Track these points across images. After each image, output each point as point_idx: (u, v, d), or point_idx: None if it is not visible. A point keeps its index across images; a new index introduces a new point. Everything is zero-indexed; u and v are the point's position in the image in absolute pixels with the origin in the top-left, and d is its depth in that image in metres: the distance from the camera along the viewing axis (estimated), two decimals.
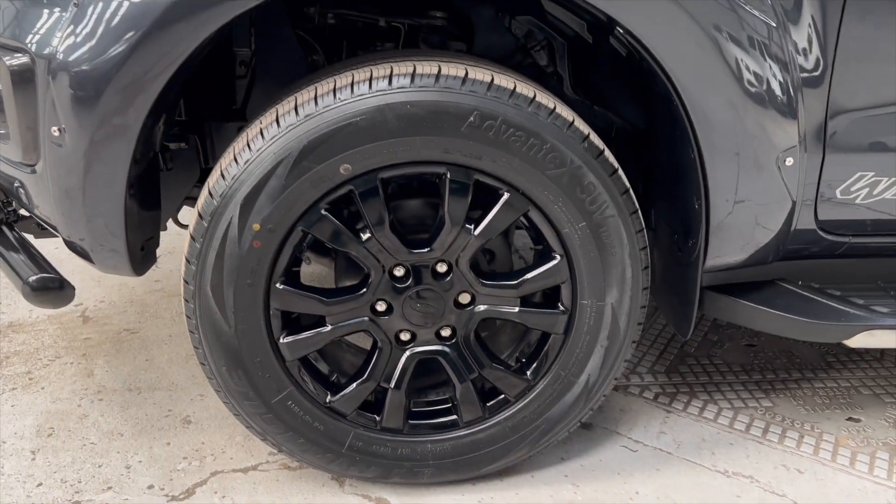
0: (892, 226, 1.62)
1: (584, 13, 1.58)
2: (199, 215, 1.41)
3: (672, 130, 1.51)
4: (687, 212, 1.57)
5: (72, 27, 1.31)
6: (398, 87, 1.34)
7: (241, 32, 1.75)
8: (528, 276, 1.52)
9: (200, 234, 1.41)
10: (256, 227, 1.39)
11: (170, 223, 1.98)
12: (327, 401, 1.57)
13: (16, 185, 1.63)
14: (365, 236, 1.45)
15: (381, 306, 1.53)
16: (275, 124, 1.35)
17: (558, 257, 1.50)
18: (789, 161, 1.47)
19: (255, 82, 1.86)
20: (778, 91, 1.42)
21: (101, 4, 1.28)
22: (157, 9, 1.25)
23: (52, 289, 1.59)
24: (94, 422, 1.90)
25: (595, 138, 1.44)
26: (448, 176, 1.41)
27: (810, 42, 1.42)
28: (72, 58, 1.31)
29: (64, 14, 1.34)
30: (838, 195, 1.56)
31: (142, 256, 1.60)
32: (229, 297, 1.43)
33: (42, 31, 1.37)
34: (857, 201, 1.57)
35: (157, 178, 1.65)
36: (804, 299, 1.68)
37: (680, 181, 1.57)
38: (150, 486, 1.68)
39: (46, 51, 1.34)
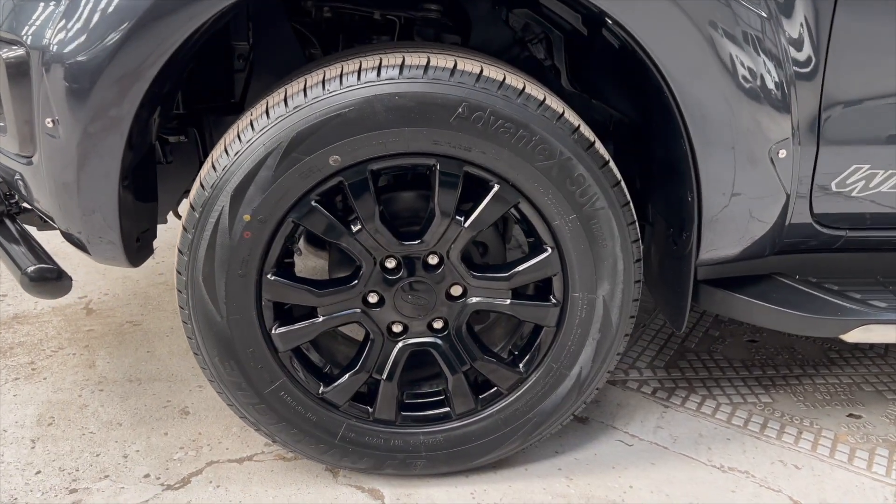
0: (889, 219, 1.61)
1: (577, 6, 1.57)
2: (191, 206, 1.42)
3: (665, 123, 1.50)
4: (681, 205, 1.57)
5: (64, 20, 1.33)
6: (387, 79, 1.34)
7: (239, 26, 1.76)
8: (520, 268, 1.52)
9: (192, 225, 1.42)
10: (247, 217, 1.40)
11: (170, 216, 2.00)
12: (320, 392, 1.58)
13: (16, 177, 1.66)
14: (356, 228, 1.46)
15: (372, 298, 1.54)
16: (265, 115, 1.36)
17: (549, 250, 1.50)
18: (782, 153, 1.45)
19: (253, 76, 1.87)
20: (770, 84, 1.40)
21: None
22: (146, 2, 1.26)
23: (50, 279, 1.61)
24: (94, 412, 1.93)
25: (586, 130, 1.44)
26: (438, 167, 1.41)
27: (803, 34, 1.40)
28: (63, 50, 1.32)
29: (57, 7, 1.35)
30: (833, 188, 1.55)
31: (137, 248, 1.62)
32: (221, 288, 1.45)
33: (36, 24, 1.39)
34: (853, 194, 1.56)
35: (153, 171, 1.66)
36: (801, 293, 1.66)
37: (674, 175, 1.57)
38: (147, 475, 1.70)
39: (40, 43, 1.36)
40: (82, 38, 1.31)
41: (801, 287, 1.68)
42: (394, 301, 1.54)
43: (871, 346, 2.31)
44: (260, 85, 1.87)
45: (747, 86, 1.40)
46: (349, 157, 1.37)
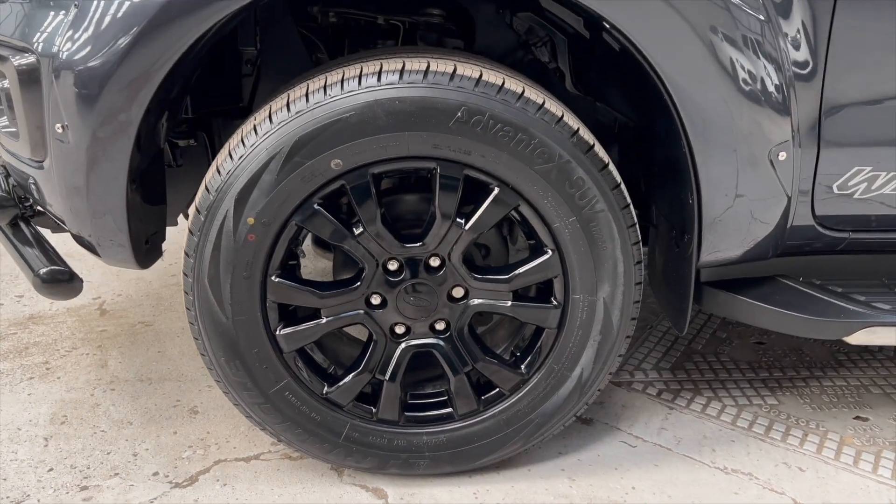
0: (893, 221, 1.60)
1: (578, 10, 1.58)
2: (197, 210, 1.45)
3: (666, 126, 1.51)
4: (682, 207, 1.57)
5: (72, 27, 1.36)
6: (387, 84, 1.36)
7: (247, 31, 1.79)
8: (520, 270, 1.54)
9: (198, 228, 1.45)
10: (251, 221, 1.42)
11: (180, 219, 2.03)
12: (324, 392, 1.60)
13: (29, 181, 1.70)
14: (358, 231, 1.48)
15: (375, 299, 1.56)
16: (267, 120, 1.39)
17: (550, 252, 1.51)
18: (782, 156, 1.46)
19: (260, 80, 1.90)
20: (769, 86, 1.41)
21: (98, 5, 1.33)
22: (150, 10, 1.29)
23: (62, 281, 1.64)
24: (106, 411, 1.96)
25: (585, 133, 1.45)
26: (438, 171, 1.43)
27: (802, 37, 1.41)
28: (72, 57, 1.35)
29: (66, 15, 1.39)
30: (835, 190, 1.54)
31: (146, 250, 1.65)
32: (226, 290, 1.47)
33: (46, 32, 1.42)
34: (856, 196, 1.56)
35: (162, 174, 1.69)
36: (804, 295, 1.66)
37: (675, 177, 1.57)
38: (155, 473, 1.73)
39: (50, 50, 1.39)
40: (90, 46, 1.34)
41: (804, 289, 1.67)
42: (396, 303, 1.56)
43: (881, 348, 2.29)
44: (267, 89, 1.89)
45: (746, 89, 1.40)
46: (350, 160, 1.39)
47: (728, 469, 1.76)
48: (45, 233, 1.83)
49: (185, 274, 1.49)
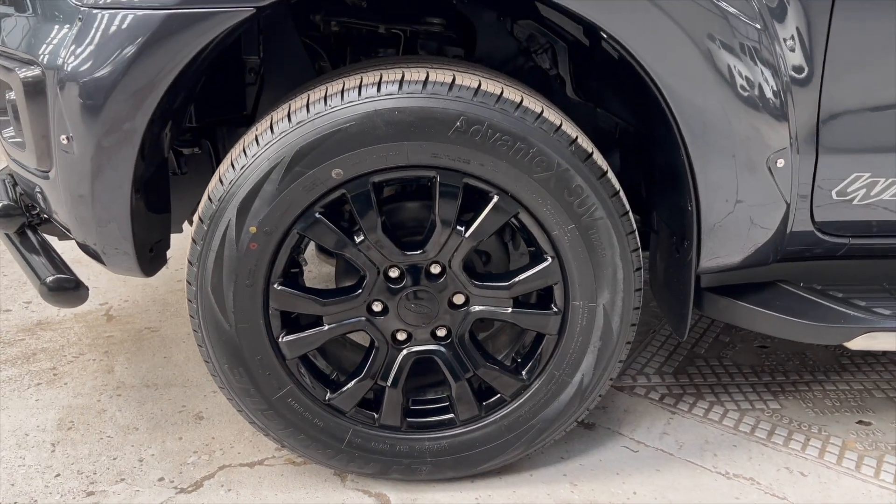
0: (893, 226, 1.60)
1: (577, 18, 1.59)
2: (199, 219, 1.46)
3: (664, 132, 1.52)
4: (682, 214, 1.58)
5: (77, 40, 1.38)
6: (387, 94, 1.37)
7: (250, 41, 1.80)
8: (520, 277, 1.55)
9: (201, 237, 1.46)
10: (253, 229, 1.44)
11: (185, 226, 2.05)
12: (326, 398, 1.61)
13: (36, 190, 1.72)
14: (359, 239, 1.49)
15: (377, 307, 1.57)
16: (269, 131, 1.40)
17: (549, 259, 1.52)
18: (780, 163, 1.46)
19: (264, 89, 1.91)
20: (766, 94, 1.42)
21: (102, 19, 1.35)
22: (154, 23, 1.31)
23: (68, 289, 1.67)
24: (112, 416, 1.99)
25: (584, 141, 1.46)
26: (438, 179, 1.44)
27: (799, 44, 1.41)
28: (77, 68, 1.37)
29: (70, 28, 1.41)
30: (834, 196, 1.55)
31: (151, 258, 1.67)
32: (229, 298, 1.49)
33: (51, 44, 1.44)
34: (855, 202, 1.56)
35: (166, 183, 1.71)
36: (804, 301, 1.67)
37: (674, 183, 1.58)
38: (161, 479, 1.75)
39: (55, 63, 1.41)
40: (94, 58, 1.36)
41: (804, 294, 1.68)
42: (397, 309, 1.57)
43: (884, 352, 2.29)
44: (271, 97, 1.91)
45: (743, 96, 1.41)
46: (351, 170, 1.41)
47: (730, 474, 1.77)
48: (52, 240, 1.86)
49: (188, 282, 1.51)
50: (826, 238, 1.61)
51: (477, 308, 1.59)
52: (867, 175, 1.52)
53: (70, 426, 1.94)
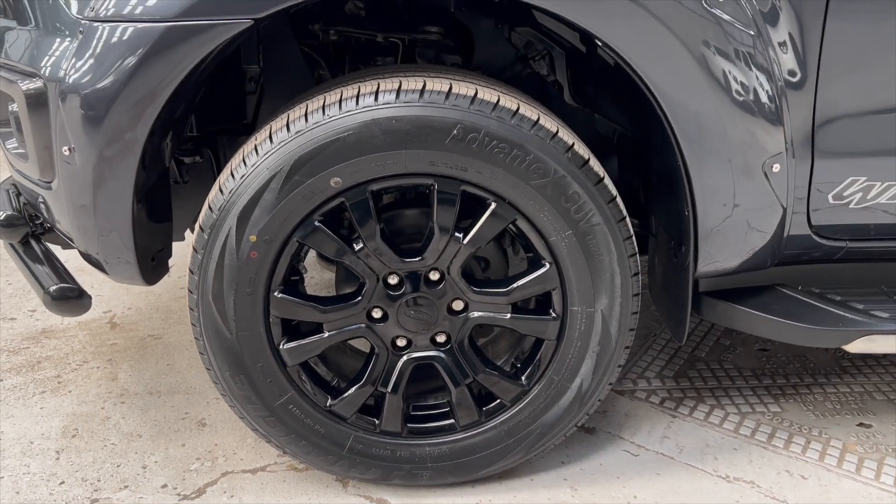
0: (889, 229, 1.61)
1: (572, 25, 1.61)
2: (200, 228, 1.48)
3: (661, 138, 1.53)
4: (679, 218, 1.59)
5: (78, 53, 1.39)
6: (384, 103, 1.39)
7: (250, 50, 1.82)
8: (519, 283, 1.56)
9: (201, 246, 1.48)
10: (253, 238, 1.45)
11: (188, 234, 2.07)
12: (327, 404, 1.62)
13: (39, 200, 1.74)
14: (358, 246, 1.51)
15: (376, 313, 1.58)
16: (268, 140, 1.42)
17: (547, 265, 1.53)
18: (776, 168, 1.47)
19: (264, 97, 1.93)
20: (762, 99, 1.43)
21: (103, 32, 1.37)
22: (152, 36, 1.33)
23: (71, 298, 1.69)
24: (116, 424, 2.00)
25: (580, 148, 1.47)
26: (436, 187, 1.46)
27: (793, 50, 1.42)
28: (78, 81, 1.39)
29: (72, 41, 1.43)
30: (830, 200, 1.56)
31: (153, 267, 1.69)
32: (230, 306, 1.50)
33: (53, 57, 1.46)
34: (852, 206, 1.57)
35: (167, 192, 1.73)
36: (802, 304, 1.67)
37: (672, 188, 1.59)
38: (164, 486, 1.76)
39: (57, 75, 1.43)
40: (95, 70, 1.38)
41: (803, 298, 1.69)
42: (397, 316, 1.58)
43: (885, 353, 2.29)
44: (271, 106, 1.93)
45: (738, 101, 1.42)
46: (349, 178, 1.42)
47: (730, 477, 1.77)
48: (56, 249, 1.88)
49: (190, 291, 1.53)
50: (823, 242, 1.62)
51: (476, 314, 1.60)
52: (863, 179, 1.53)
53: (74, 434, 1.96)
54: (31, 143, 1.55)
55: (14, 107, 1.59)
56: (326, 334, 1.58)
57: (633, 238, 1.54)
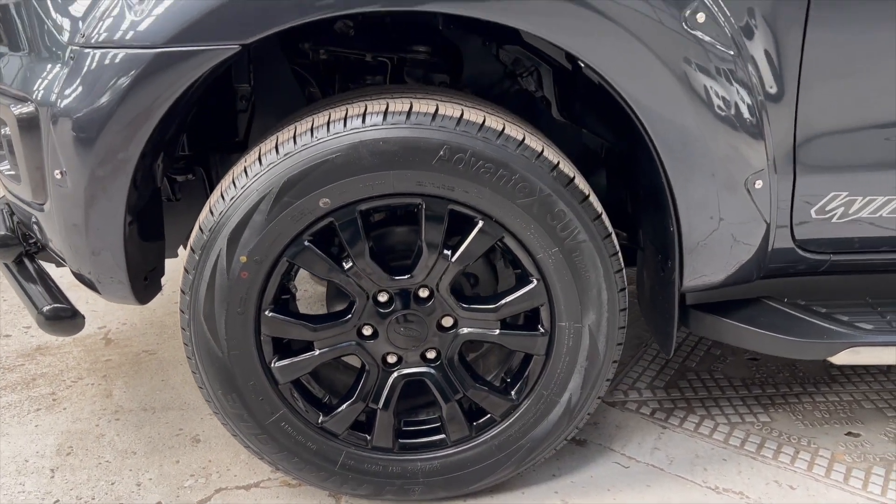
0: (872, 242, 1.63)
1: (556, 45, 1.63)
2: (191, 249, 1.49)
3: (646, 153, 1.55)
4: (664, 232, 1.61)
5: (69, 78, 1.41)
6: (371, 125, 1.41)
7: (241, 69, 1.84)
8: (507, 299, 1.58)
9: (192, 267, 1.49)
10: (243, 259, 1.47)
11: (181, 251, 2.08)
12: (319, 421, 1.64)
13: (32, 220, 1.75)
14: (347, 265, 1.52)
15: (367, 331, 1.60)
16: (257, 162, 1.44)
17: (535, 281, 1.55)
18: (759, 184, 1.49)
19: (255, 115, 1.95)
20: (744, 115, 1.45)
21: (93, 58, 1.38)
22: (142, 62, 1.34)
23: (65, 318, 1.70)
24: (110, 441, 2.01)
25: (565, 167, 1.49)
26: (423, 206, 1.48)
27: (773, 68, 1.44)
28: (69, 106, 1.41)
29: (63, 66, 1.44)
30: (813, 215, 1.58)
31: (145, 286, 1.70)
32: (221, 325, 1.52)
33: (45, 81, 1.48)
34: (834, 220, 1.59)
35: (159, 211, 1.75)
36: (788, 317, 1.69)
37: (657, 203, 1.61)
38: (158, 503, 1.77)
39: (48, 100, 1.45)
40: (85, 96, 1.39)
41: (788, 310, 1.71)
42: (387, 333, 1.60)
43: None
44: (262, 124, 1.95)
45: (720, 118, 1.44)
46: (338, 199, 1.44)
47: (719, 488, 1.79)
48: (49, 266, 1.89)
49: (181, 311, 1.54)
50: (808, 255, 1.64)
51: (465, 330, 1.61)
52: (845, 194, 1.56)
53: (69, 451, 1.97)
54: (23, 166, 1.57)
55: (6, 130, 1.61)
56: (317, 352, 1.60)
57: (619, 254, 1.56)
